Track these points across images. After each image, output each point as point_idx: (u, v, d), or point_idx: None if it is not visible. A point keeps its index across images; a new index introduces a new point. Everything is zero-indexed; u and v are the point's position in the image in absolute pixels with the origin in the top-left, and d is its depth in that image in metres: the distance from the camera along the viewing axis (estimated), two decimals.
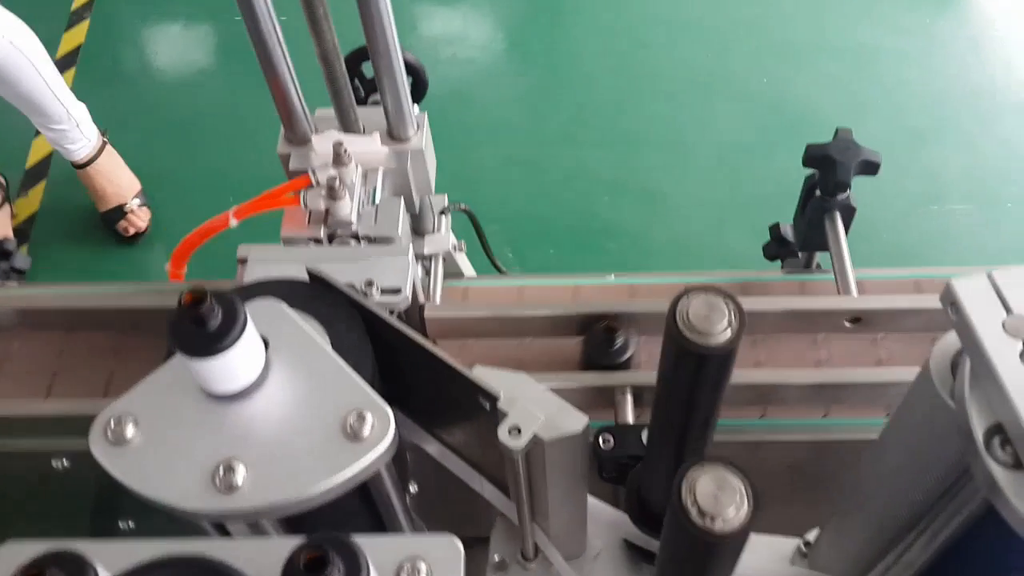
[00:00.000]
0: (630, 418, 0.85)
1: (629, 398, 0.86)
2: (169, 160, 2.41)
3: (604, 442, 0.82)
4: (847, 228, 0.96)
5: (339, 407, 0.65)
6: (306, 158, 0.94)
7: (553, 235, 2.33)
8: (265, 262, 0.85)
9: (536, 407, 0.65)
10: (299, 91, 0.92)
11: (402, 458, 0.91)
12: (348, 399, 0.65)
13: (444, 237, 1.00)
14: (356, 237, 0.92)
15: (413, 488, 0.98)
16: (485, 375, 0.68)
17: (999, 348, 0.49)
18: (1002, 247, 2.28)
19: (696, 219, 2.34)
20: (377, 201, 0.93)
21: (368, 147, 0.94)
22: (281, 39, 0.87)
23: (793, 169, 2.36)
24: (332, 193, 0.88)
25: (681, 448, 0.68)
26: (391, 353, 0.78)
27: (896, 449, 0.60)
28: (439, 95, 2.57)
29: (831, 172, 0.91)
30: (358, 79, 1.22)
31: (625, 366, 0.92)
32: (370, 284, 0.83)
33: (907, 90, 2.55)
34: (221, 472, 0.61)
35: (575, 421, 0.65)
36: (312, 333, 0.69)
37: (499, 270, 1.24)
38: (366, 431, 0.62)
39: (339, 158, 0.90)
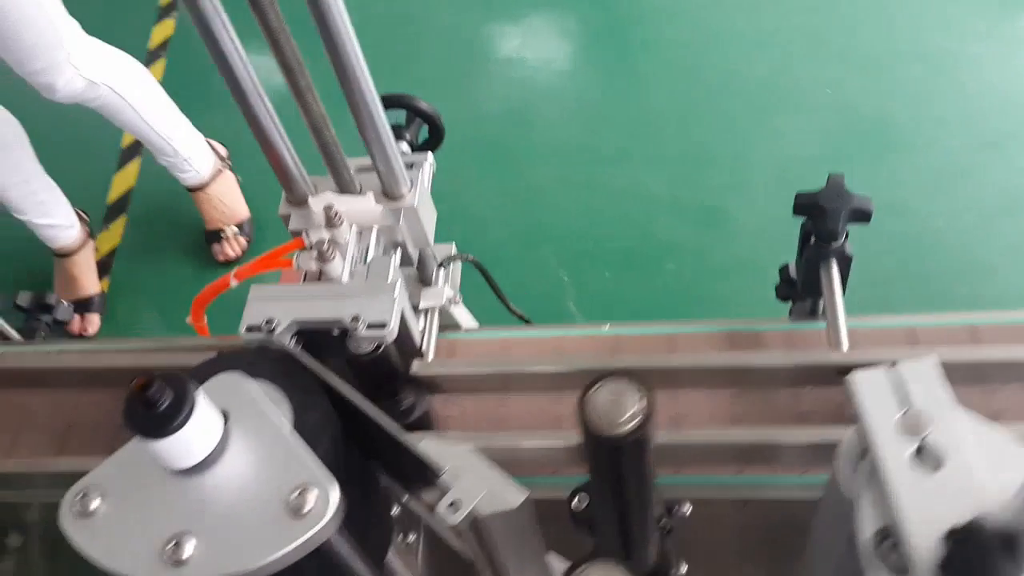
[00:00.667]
0: None
1: None
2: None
3: (578, 501, 0.82)
4: (844, 276, 0.93)
5: (285, 482, 0.68)
6: (304, 219, 0.97)
7: (609, 257, 2.32)
8: (262, 300, 0.89)
9: (478, 482, 0.67)
10: (294, 155, 0.96)
11: (382, 520, 0.93)
12: (294, 475, 0.68)
13: (439, 291, 1.02)
14: None
15: (412, 537, 1.01)
16: (431, 448, 0.70)
17: (890, 446, 0.48)
18: None
19: (756, 237, 2.29)
20: (369, 259, 0.96)
21: (362, 206, 0.97)
22: (270, 108, 0.91)
23: (858, 184, 2.31)
24: (322, 256, 0.91)
25: (625, 516, 0.69)
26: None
27: (819, 535, 0.59)
28: (496, 115, 2.62)
29: (821, 220, 0.89)
30: None
31: (419, 425, 0.93)
32: (356, 319, 0.86)
33: (981, 97, 2.45)
34: (171, 546, 0.64)
35: (514, 496, 0.66)
36: (267, 408, 0.72)
37: (522, 319, 1.24)
38: (307, 507, 0.65)
39: (330, 220, 0.94)
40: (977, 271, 2.14)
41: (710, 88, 2.60)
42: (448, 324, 1.06)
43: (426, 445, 0.70)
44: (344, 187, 0.98)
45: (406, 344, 0.95)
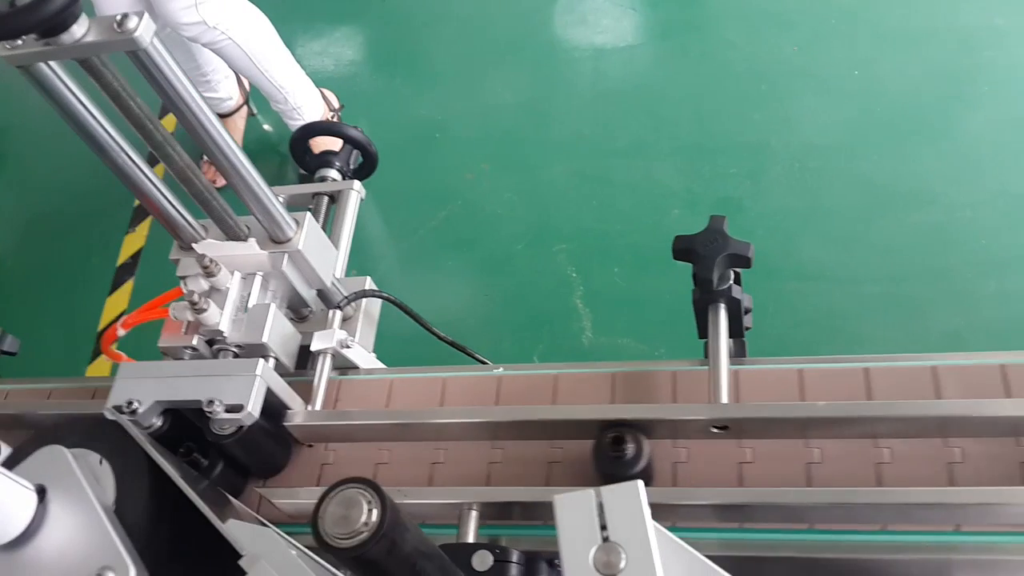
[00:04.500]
0: (471, 536, 0.83)
1: (474, 514, 0.84)
2: None
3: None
4: (735, 321, 0.88)
5: (89, 564, 0.68)
6: (189, 266, 0.97)
7: (619, 253, 2.27)
8: (128, 379, 0.90)
9: (275, 568, 0.66)
10: (172, 200, 0.95)
11: None
12: (97, 556, 0.68)
13: (330, 334, 1.00)
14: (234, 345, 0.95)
15: None
16: (237, 529, 0.69)
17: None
18: None
19: (771, 231, 2.20)
20: (250, 307, 0.95)
21: (241, 252, 0.95)
22: (135, 158, 0.90)
23: (881, 173, 2.20)
24: (194, 307, 0.90)
25: None
26: None
27: None
28: (509, 106, 2.57)
29: (697, 266, 0.84)
30: (307, 155, 1.24)
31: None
32: (211, 402, 0.86)
33: (1015, 74, 2.28)
34: None
35: None
36: (86, 483, 0.72)
37: (458, 348, 1.19)
38: None
39: (206, 269, 0.93)
40: (1003, 266, 2.01)
41: (730, 72, 2.50)
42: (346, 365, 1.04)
43: (232, 526, 0.69)
44: (228, 232, 0.97)
45: (280, 411, 0.94)
